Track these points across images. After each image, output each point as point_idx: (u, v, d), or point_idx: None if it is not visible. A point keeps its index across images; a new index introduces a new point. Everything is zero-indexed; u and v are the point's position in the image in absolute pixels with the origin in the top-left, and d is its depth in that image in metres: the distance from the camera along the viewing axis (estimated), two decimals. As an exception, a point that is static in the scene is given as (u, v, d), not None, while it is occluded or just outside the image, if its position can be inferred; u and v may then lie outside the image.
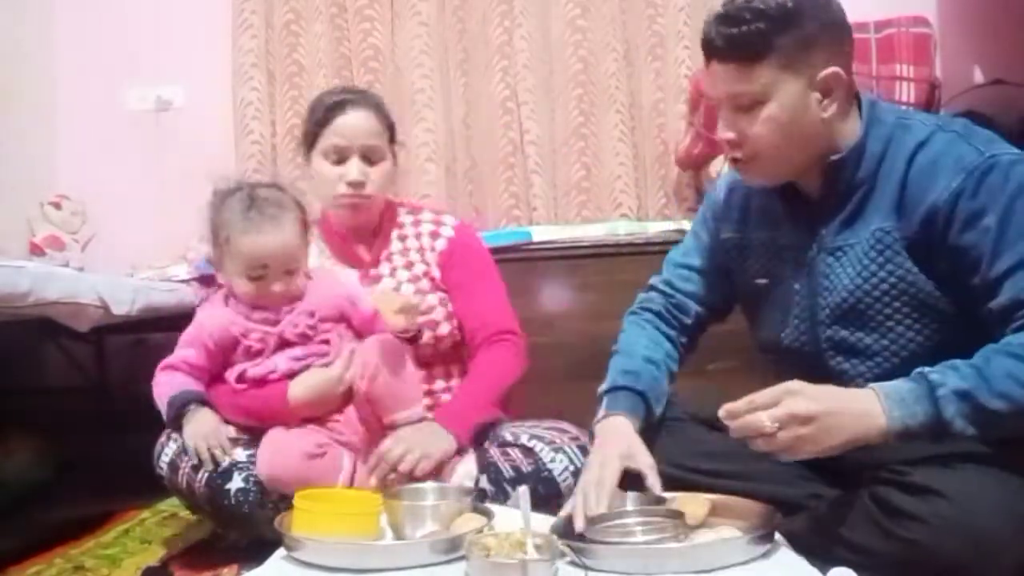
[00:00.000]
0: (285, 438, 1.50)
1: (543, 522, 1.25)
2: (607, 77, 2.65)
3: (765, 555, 1.15)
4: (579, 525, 1.22)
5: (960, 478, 1.12)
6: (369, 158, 1.71)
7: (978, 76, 2.58)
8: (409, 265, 1.78)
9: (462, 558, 1.17)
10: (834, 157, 1.29)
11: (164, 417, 1.55)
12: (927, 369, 1.15)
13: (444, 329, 1.73)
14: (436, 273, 1.77)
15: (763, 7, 1.22)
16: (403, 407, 1.54)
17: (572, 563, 1.13)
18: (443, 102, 2.69)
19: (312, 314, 1.57)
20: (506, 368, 1.71)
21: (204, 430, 1.50)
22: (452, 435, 1.54)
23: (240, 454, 1.51)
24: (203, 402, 1.54)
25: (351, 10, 2.73)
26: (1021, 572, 1.10)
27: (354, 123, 1.70)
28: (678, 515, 1.21)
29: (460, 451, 1.55)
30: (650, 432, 1.41)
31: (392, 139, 1.77)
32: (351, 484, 1.49)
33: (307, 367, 1.55)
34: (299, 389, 1.52)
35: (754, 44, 1.22)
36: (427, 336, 1.69)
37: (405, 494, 1.38)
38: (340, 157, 1.70)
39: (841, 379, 1.32)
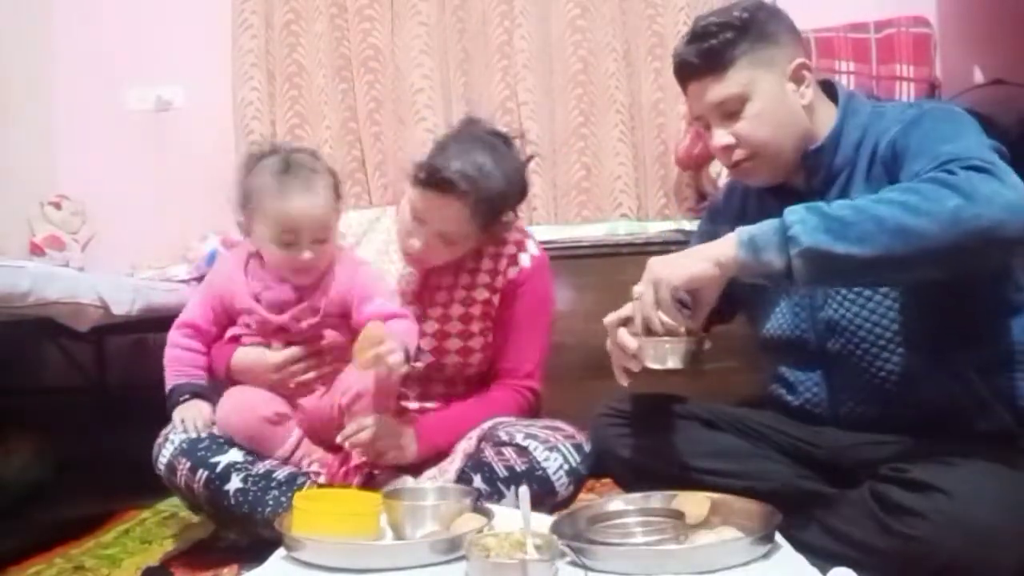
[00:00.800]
0: (249, 397, 1.55)
1: (543, 522, 1.25)
2: (607, 77, 2.65)
3: (765, 555, 1.15)
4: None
5: (960, 474, 1.13)
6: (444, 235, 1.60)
7: (978, 76, 2.58)
8: (470, 287, 1.69)
9: (462, 558, 1.17)
10: (812, 147, 1.35)
11: (165, 383, 1.61)
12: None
13: (476, 358, 1.70)
14: (494, 299, 1.69)
15: (724, 20, 1.34)
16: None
17: (572, 563, 1.13)
18: (443, 102, 2.69)
19: (317, 311, 1.57)
20: (503, 408, 1.66)
21: (191, 413, 1.56)
22: (416, 449, 1.55)
23: (236, 454, 1.52)
24: (201, 395, 1.59)
25: (351, 10, 2.73)
26: (1021, 568, 1.10)
27: (431, 208, 1.56)
28: (678, 515, 1.21)
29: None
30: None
31: (485, 225, 1.61)
32: (290, 457, 1.54)
33: None
34: (238, 356, 1.59)
35: (723, 51, 1.32)
36: (454, 361, 1.68)
37: (405, 494, 1.38)
38: (413, 225, 1.60)
39: (840, 360, 1.34)
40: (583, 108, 2.65)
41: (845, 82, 2.40)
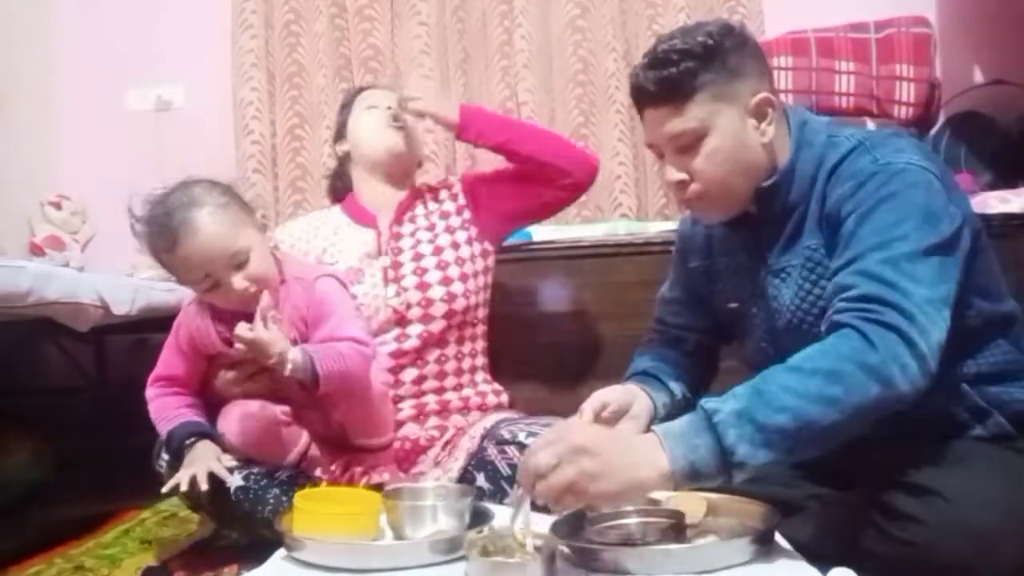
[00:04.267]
0: (252, 405, 1.52)
1: (543, 522, 1.25)
2: (607, 77, 2.65)
3: (765, 555, 1.15)
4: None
5: (959, 479, 1.12)
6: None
7: (978, 76, 2.58)
8: (431, 227, 1.84)
9: (462, 558, 1.17)
10: (765, 183, 1.30)
11: (162, 439, 1.56)
12: (703, 400, 1.12)
13: (458, 288, 1.77)
14: (467, 214, 1.85)
15: (687, 47, 1.25)
16: (373, 436, 1.55)
17: (572, 563, 1.13)
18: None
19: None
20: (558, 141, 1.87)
21: (204, 457, 1.49)
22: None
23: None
24: (203, 434, 1.53)
25: (351, 10, 2.73)
26: (1021, 573, 1.10)
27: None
28: (678, 515, 1.21)
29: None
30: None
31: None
32: (300, 461, 1.53)
33: None
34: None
35: (684, 82, 1.25)
36: (440, 294, 1.74)
37: (405, 494, 1.38)
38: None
39: None
40: (583, 108, 2.65)
41: (845, 82, 2.40)
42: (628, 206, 2.62)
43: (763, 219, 1.34)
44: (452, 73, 2.72)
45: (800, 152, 1.31)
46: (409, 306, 1.71)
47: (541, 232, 2.42)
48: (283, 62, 2.74)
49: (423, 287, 1.74)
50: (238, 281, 1.46)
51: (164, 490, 1.49)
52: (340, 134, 1.94)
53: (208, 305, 1.54)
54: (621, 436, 1.12)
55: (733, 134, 1.27)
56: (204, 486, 1.43)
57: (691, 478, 1.08)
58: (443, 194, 1.90)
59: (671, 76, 1.25)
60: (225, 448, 1.51)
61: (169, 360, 1.60)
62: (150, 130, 2.84)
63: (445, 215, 1.85)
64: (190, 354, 1.58)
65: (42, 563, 1.64)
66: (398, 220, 1.83)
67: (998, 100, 2.43)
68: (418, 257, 1.77)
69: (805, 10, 2.51)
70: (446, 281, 1.75)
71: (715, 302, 1.49)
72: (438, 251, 1.79)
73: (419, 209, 1.86)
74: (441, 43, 2.72)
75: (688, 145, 1.28)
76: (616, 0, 2.66)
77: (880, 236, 1.16)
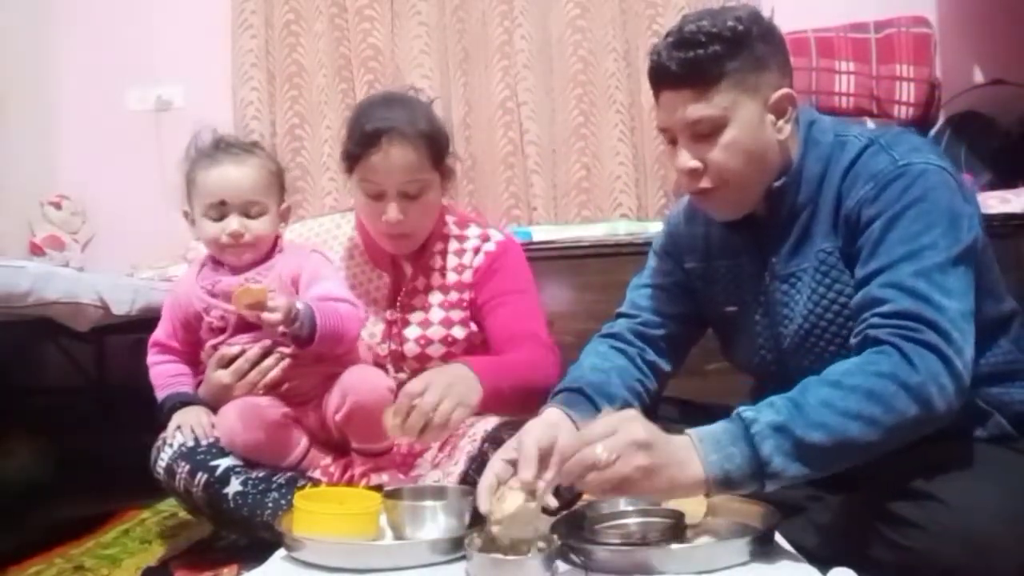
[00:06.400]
0: (251, 405, 1.52)
1: (543, 521, 1.25)
2: (607, 77, 2.65)
3: (765, 555, 1.15)
4: (482, 506, 1.18)
5: (958, 484, 1.12)
6: (408, 193, 1.58)
7: (978, 76, 2.58)
8: (445, 289, 1.69)
9: (462, 558, 1.17)
10: (776, 183, 1.28)
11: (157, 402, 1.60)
12: (740, 407, 1.10)
13: (460, 347, 1.67)
14: (470, 296, 1.68)
15: (716, 30, 1.21)
16: (373, 441, 1.54)
17: (572, 563, 1.13)
18: (443, 102, 2.69)
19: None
20: (538, 364, 1.57)
21: (190, 418, 1.54)
22: (480, 385, 1.42)
23: (236, 458, 1.51)
24: (187, 403, 1.57)
25: (351, 10, 2.73)
26: (1020, 576, 1.10)
27: (388, 163, 1.55)
28: (678, 515, 1.21)
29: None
30: None
31: (441, 159, 1.62)
32: (300, 463, 1.53)
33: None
34: (202, 391, 1.59)
35: (711, 67, 1.21)
36: (440, 352, 1.67)
37: (405, 494, 1.38)
38: (376, 194, 1.58)
39: None
40: (583, 108, 2.65)
41: (845, 82, 2.40)
42: (628, 206, 2.63)
43: (768, 221, 1.32)
44: (452, 73, 2.72)
45: (808, 152, 1.28)
46: (404, 359, 1.67)
47: (541, 232, 2.43)
48: (283, 62, 2.75)
49: (422, 358, 1.67)
50: (239, 223, 1.54)
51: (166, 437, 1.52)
52: (348, 165, 1.63)
53: (198, 270, 1.62)
54: (667, 436, 1.09)
55: (752, 128, 1.23)
56: (190, 441, 1.49)
57: (724, 485, 1.07)
58: (467, 257, 1.70)
59: (698, 58, 1.20)
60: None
61: (160, 328, 1.64)
62: (150, 130, 2.84)
63: (460, 287, 1.69)
64: (177, 320, 1.61)
65: (42, 563, 1.64)
66: (414, 276, 1.70)
67: (998, 100, 2.43)
68: (426, 324, 1.68)
69: (805, 10, 2.51)
70: (447, 357, 1.66)
71: (710, 304, 1.46)
72: (447, 323, 1.68)
73: (436, 262, 1.70)
74: (441, 43, 2.72)
75: (706, 133, 1.23)
76: (616, 0, 2.67)
77: (909, 245, 1.15)
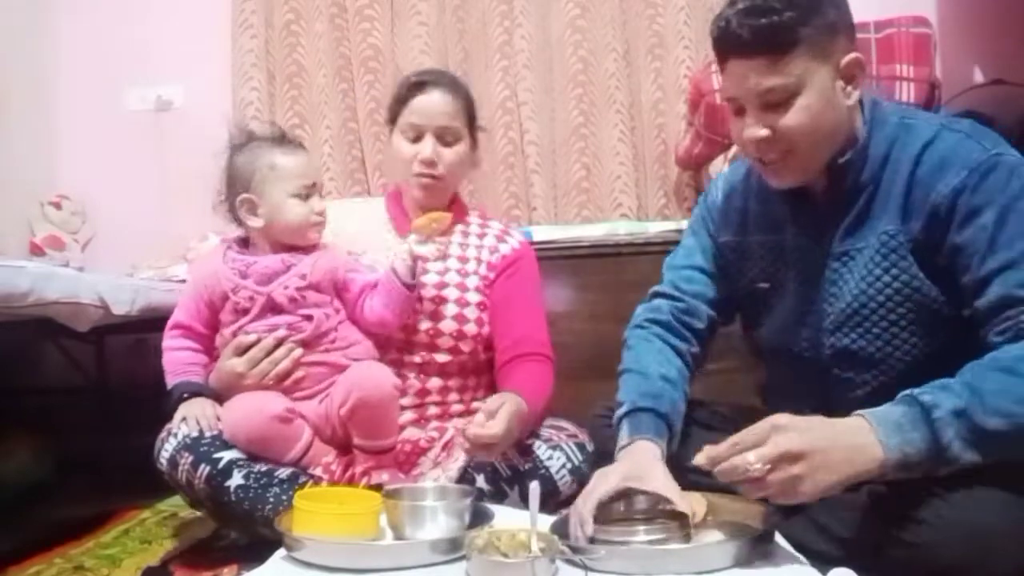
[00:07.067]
0: (255, 399, 1.53)
1: (543, 521, 1.25)
2: (607, 77, 2.65)
3: (765, 555, 1.15)
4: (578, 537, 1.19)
5: (960, 479, 1.11)
6: (444, 138, 1.71)
7: (978, 76, 2.58)
8: (464, 260, 1.75)
9: (462, 558, 1.17)
10: (841, 159, 1.27)
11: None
12: (916, 391, 1.11)
13: (471, 329, 1.68)
14: (489, 274, 1.75)
15: None
16: (376, 438, 1.54)
17: (572, 563, 1.13)
18: (443, 102, 2.69)
19: (303, 276, 1.58)
20: (542, 386, 1.65)
21: (194, 410, 1.55)
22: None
23: (240, 451, 1.51)
24: (202, 394, 1.58)
25: (351, 10, 2.73)
26: (1021, 572, 1.10)
27: (430, 103, 1.70)
28: (681, 516, 1.21)
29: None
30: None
31: (472, 123, 1.77)
32: (303, 457, 1.53)
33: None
34: (212, 378, 1.61)
35: (786, 34, 1.18)
36: (451, 328, 1.67)
37: (405, 494, 1.38)
38: (416, 135, 1.71)
39: (843, 389, 1.32)
40: (583, 108, 2.65)
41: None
42: (628, 206, 2.63)
43: (826, 197, 1.31)
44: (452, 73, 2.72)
45: (874, 131, 1.27)
46: (418, 327, 1.68)
47: (541, 232, 2.43)
48: (283, 62, 2.75)
49: (436, 316, 1.68)
50: (320, 203, 1.63)
51: (172, 427, 1.53)
52: (392, 115, 1.77)
53: (223, 253, 1.64)
54: (830, 428, 1.10)
55: (824, 94, 1.21)
56: (194, 432, 1.51)
57: (901, 468, 1.07)
58: (488, 240, 1.79)
59: (772, 25, 1.18)
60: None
61: (183, 309, 1.64)
62: (150, 130, 2.84)
63: (478, 261, 1.76)
64: (203, 301, 1.62)
65: (42, 563, 1.64)
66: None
67: (998, 100, 2.43)
68: (444, 272, 1.72)
69: (805, 10, 2.51)
70: (459, 319, 1.69)
71: (740, 280, 1.45)
72: (462, 287, 1.72)
73: (458, 237, 1.77)
74: (441, 43, 2.72)
75: (778, 102, 1.21)
76: (616, 0, 2.66)
77: None
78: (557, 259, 2.33)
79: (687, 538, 1.19)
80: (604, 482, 1.24)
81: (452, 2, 2.72)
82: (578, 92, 2.65)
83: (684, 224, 2.37)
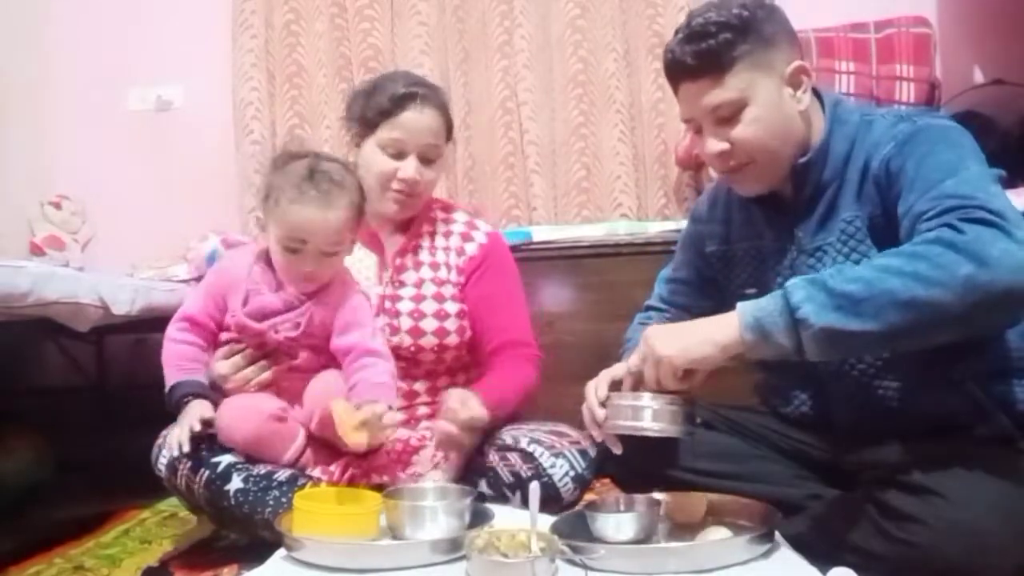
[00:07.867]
0: (249, 400, 1.52)
1: (544, 521, 1.25)
2: (607, 77, 2.65)
3: (765, 555, 1.15)
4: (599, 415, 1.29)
5: (959, 479, 1.12)
6: (426, 156, 1.69)
7: (978, 76, 2.58)
8: (435, 266, 1.73)
9: (462, 558, 1.17)
10: (802, 160, 1.32)
11: (165, 381, 1.58)
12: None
13: (452, 340, 1.68)
14: (459, 279, 1.73)
15: (723, 19, 1.27)
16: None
17: (572, 563, 1.13)
18: (443, 102, 2.69)
19: (298, 326, 1.54)
20: (524, 381, 1.68)
21: (185, 419, 1.51)
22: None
23: (238, 455, 1.51)
24: (202, 395, 1.55)
25: (351, 10, 2.73)
26: (1021, 574, 1.10)
27: (418, 122, 1.66)
28: (688, 400, 1.23)
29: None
30: None
31: (449, 138, 1.76)
32: (299, 458, 1.52)
33: None
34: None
35: (722, 53, 1.27)
36: (432, 344, 1.66)
37: (405, 494, 1.38)
38: (398, 152, 1.67)
39: (836, 378, 1.32)
40: (583, 108, 2.65)
41: (845, 82, 2.40)
42: (628, 206, 2.63)
43: (794, 198, 1.35)
44: (452, 73, 2.72)
45: (834, 130, 1.32)
46: (400, 344, 1.67)
47: (541, 232, 2.43)
48: (283, 62, 2.75)
49: (416, 332, 1.67)
50: (313, 264, 1.53)
51: (173, 449, 1.50)
52: (357, 137, 1.74)
53: (252, 263, 1.59)
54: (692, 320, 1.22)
55: (772, 102, 1.29)
56: (186, 447, 1.46)
57: (757, 333, 1.12)
58: (454, 240, 1.77)
59: (709, 48, 1.27)
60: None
61: (195, 303, 1.61)
62: (150, 130, 2.84)
63: (448, 267, 1.74)
64: (217, 301, 1.59)
65: (42, 563, 1.64)
66: (402, 252, 1.73)
67: (998, 100, 2.43)
68: (419, 299, 1.70)
69: (805, 10, 2.50)
70: (440, 332, 1.67)
71: (729, 288, 1.48)
72: (439, 298, 1.70)
73: (425, 241, 1.76)
74: (441, 43, 2.72)
75: (728, 116, 1.29)
76: (616, 0, 2.66)
77: (945, 170, 1.16)
78: (557, 259, 2.33)
79: (690, 408, 1.23)
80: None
81: (452, 2, 2.72)
82: (578, 92, 2.65)
83: (684, 224, 2.39)
